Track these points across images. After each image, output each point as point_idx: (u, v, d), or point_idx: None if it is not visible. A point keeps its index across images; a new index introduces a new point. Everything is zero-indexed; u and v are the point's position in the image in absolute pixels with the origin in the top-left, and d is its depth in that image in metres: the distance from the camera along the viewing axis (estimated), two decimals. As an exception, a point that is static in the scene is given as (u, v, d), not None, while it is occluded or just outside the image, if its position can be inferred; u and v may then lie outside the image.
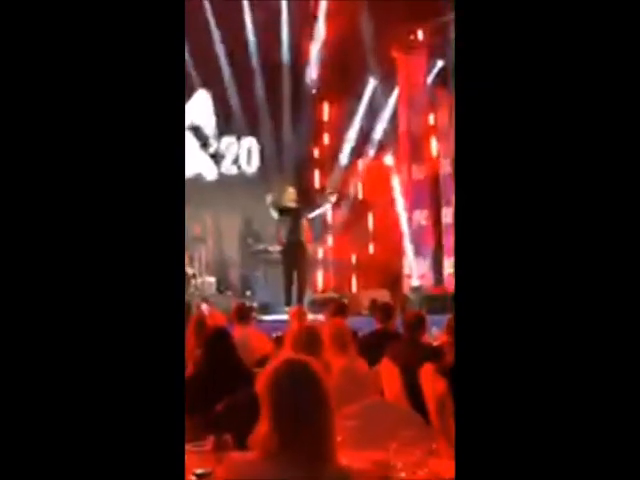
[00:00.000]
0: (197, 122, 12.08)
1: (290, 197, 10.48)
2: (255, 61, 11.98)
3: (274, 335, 6.46)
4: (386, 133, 12.73)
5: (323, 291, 12.54)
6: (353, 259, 13.00)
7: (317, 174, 13.11)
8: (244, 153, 12.42)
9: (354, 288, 12.78)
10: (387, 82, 12.63)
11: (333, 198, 11.26)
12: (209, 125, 12.21)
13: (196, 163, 11.99)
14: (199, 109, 12.04)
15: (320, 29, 12.33)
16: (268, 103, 12.13)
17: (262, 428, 2.08)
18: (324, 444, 2.08)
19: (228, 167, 12.39)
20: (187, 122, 11.67)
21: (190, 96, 11.81)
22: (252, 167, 12.46)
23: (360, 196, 13.02)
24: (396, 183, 12.67)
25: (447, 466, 2.49)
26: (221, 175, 12.35)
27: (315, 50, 12.44)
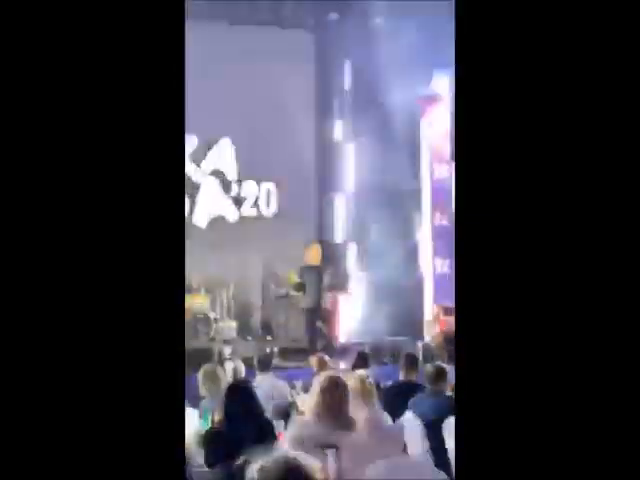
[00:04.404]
0: (220, 168, 12.39)
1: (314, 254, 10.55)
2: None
3: (294, 383, 6.42)
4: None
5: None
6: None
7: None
8: (263, 197, 12.57)
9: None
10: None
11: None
12: (231, 170, 12.40)
13: (218, 206, 12.30)
14: (222, 155, 12.40)
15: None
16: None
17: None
18: None
19: (248, 210, 12.51)
20: (210, 168, 12.31)
21: (214, 144, 12.29)
22: (270, 210, 12.55)
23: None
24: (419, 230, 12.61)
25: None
26: (242, 218, 12.46)
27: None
